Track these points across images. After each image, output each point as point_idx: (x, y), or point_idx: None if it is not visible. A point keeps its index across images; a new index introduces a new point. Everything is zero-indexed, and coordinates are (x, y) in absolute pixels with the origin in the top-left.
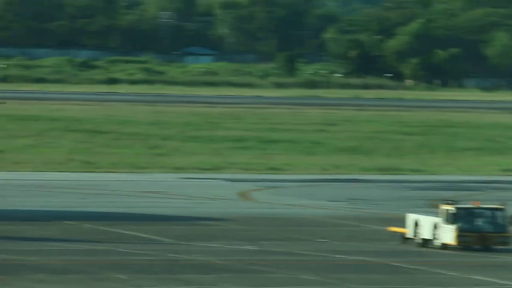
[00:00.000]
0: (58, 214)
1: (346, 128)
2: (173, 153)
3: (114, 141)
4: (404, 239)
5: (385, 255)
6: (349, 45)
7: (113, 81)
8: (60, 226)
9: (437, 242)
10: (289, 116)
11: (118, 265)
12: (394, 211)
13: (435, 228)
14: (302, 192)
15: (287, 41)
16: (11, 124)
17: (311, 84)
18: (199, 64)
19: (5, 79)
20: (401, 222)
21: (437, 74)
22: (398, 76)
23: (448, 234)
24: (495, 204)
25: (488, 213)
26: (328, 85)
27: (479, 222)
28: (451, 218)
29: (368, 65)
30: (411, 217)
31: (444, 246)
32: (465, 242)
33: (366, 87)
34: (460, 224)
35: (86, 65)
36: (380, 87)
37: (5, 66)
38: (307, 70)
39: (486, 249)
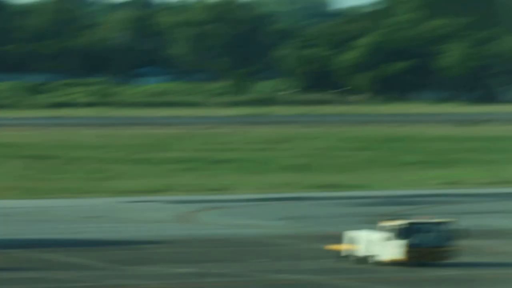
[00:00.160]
0: None
1: (294, 146)
2: (121, 176)
3: (60, 166)
4: (344, 256)
5: (324, 273)
6: (303, 60)
7: (63, 105)
8: None
9: (381, 258)
10: (239, 135)
11: None
12: (336, 228)
13: (377, 244)
14: (247, 212)
15: (241, 58)
16: None
17: (264, 102)
18: (151, 85)
19: None
20: (340, 240)
21: (392, 87)
22: (353, 90)
23: (394, 250)
24: (442, 219)
25: (436, 227)
26: (281, 102)
27: (426, 237)
28: (399, 234)
29: (321, 80)
30: (350, 234)
31: (389, 262)
32: (412, 258)
33: (318, 102)
34: (407, 239)
35: (36, 89)
36: (332, 102)
37: None
38: (261, 87)
39: (434, 263)
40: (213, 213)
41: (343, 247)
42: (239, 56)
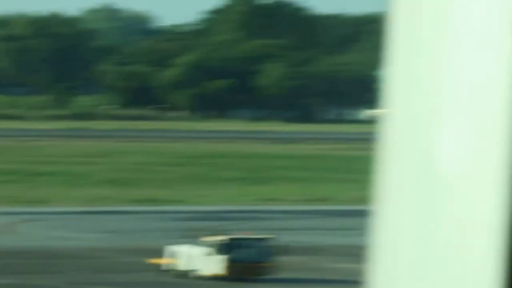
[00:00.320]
0: None
1: (114, 160)
2: None
3: None
4: (165, 270)
5: (143, 285)
6: (124, 77)
7: None
8: None
9: (202, 273)
10: (59, 148)
11: None
12: (156, 242)
13: (198, 259)
14: (67, 225)
15: (62, 73)
16: None
17: (84, 116)
18: None
19: None
20: (161, 253)
21: (211, 105)
22: (172, 107)
23: (215, 265)
24: (262, 235)
25: (256, 243)
26: (101, 116)
27: (247, 252)
28: (220, 249)
29: (141, 96)
30: (172, 249)
31: (211, 277)
32: (233, 273)
33: (138, 118)
34: (228, 255)
35: None
36: (153, 118)
37: None
38: (82, 102)
39: (254, 279)
40: (33, 225)
41: (165, 261)
42: (60, 71)
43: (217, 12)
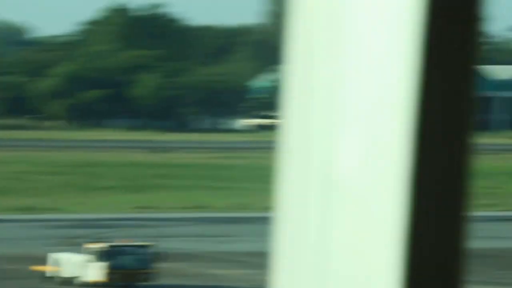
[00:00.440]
0: None
1: None
2: None
3: None
4: (49, 277)
5: None
6: (1, 86)
7: None
8: None
9: (83, 280)
10: None
11: None
12: (38, 250)
13: (80, 266)
14: None
15: None
16: None
17: None
18: None
19: None
20: (44, 261)
21: (88, 115)
22: (49, 117)
23: (97, 272)
24: (142, 242)
25: (136, 250)
26: None
27: (127, 259)
28: (100, 256)
29: (17, 106)
30: (55, 256)
31: (93, 284)
32: (114, 279)
33: (13, 127)
34: (109, 262)
35: None
36: (30, 127)
37: None
38: None
39: (133, 285)
40: None
41: (48, 269)
42: None
43: (94, 23)
